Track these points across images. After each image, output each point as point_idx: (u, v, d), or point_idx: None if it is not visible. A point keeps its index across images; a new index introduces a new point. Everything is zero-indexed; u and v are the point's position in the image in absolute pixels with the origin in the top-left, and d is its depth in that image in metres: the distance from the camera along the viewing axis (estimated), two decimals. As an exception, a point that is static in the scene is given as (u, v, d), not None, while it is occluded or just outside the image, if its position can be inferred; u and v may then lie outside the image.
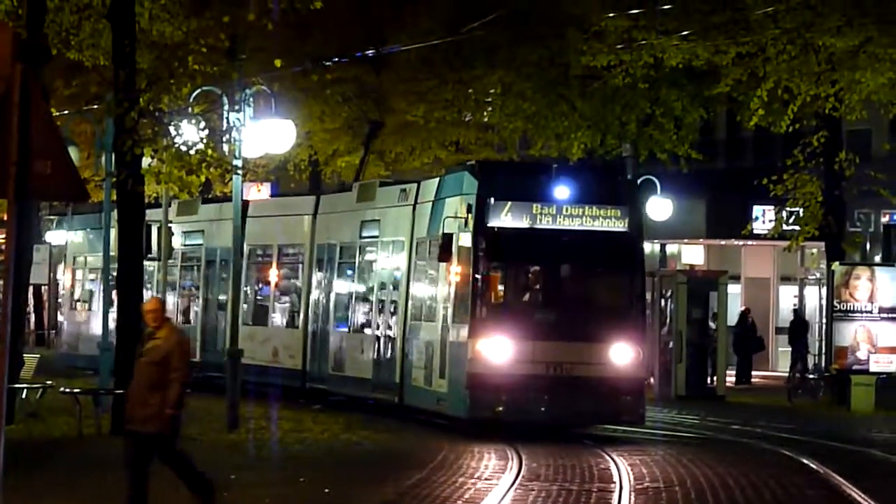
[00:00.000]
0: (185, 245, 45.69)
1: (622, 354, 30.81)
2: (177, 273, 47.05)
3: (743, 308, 54.21)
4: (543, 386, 30.96)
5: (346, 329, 39.74)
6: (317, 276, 41.25)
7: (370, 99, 47.55)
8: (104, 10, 29.62)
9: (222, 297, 43.00)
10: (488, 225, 30.98)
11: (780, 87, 38.28)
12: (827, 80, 38.37)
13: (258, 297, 45.44)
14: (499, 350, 30.88)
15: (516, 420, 31.32)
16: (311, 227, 41.52)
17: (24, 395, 30.81)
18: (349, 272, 40.21)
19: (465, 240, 31.55)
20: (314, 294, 41.20)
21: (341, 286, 40.46)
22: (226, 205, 40.77)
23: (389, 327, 37.87)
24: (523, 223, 31.06)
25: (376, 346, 38.50)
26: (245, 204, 36.49)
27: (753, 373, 52.94)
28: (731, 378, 50.91)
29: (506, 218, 31.02)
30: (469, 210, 31.28)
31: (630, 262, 31.40)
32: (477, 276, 31.14)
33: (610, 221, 30.71)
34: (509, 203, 30.96)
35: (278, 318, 43.72)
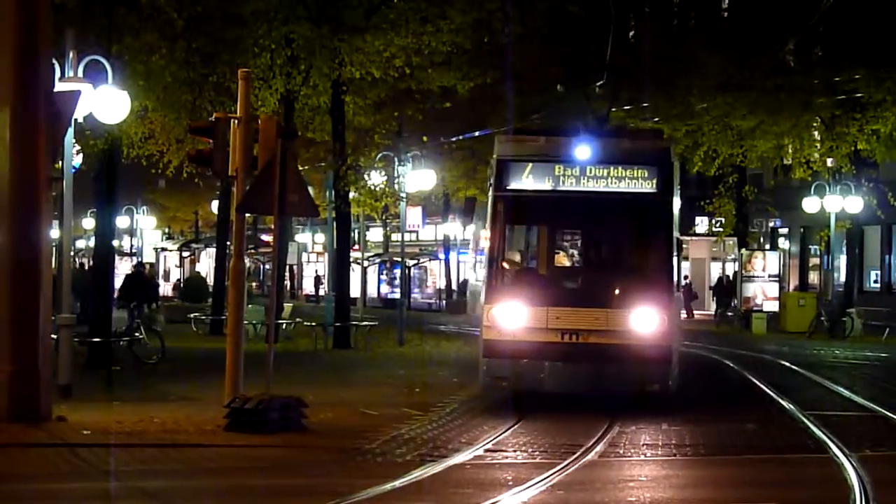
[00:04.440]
0: None
1: (645, 321, 17.22)
2: None
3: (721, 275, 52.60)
4: (557, 354, 17.40)
5: None
6: None
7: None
8: (327, 109, 29.72)
9: None
10: (508, 187, 18.05)
11: (710, 150, 38.06)
12: (737, 146, 38.08)
13: None
14: (512, 317, 17.42)
15: (529, 390, 17.82)
16: None
17: (283, 327, 30.97)
18: None
19: (487, 204, 19.16)
20: None
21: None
22: None
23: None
24: (545, 185, 17.99)
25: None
26: None
27: (695, 312, 52.25)
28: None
29: (527, 180, 18.00)
30: (490, 173, 18.88)
31: (656, 225, 17.98)
32: (493, 239, 18.18)
33: (636, 182, 17.84)
34: (530, 165, 17.99)
35: None
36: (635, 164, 17.68)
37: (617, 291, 17.58)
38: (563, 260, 19.32)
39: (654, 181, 17.60)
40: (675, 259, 17.45)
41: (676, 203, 17.85)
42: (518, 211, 18.21)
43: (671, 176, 17.62)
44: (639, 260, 18.05)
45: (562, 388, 17.52)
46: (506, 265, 18.23)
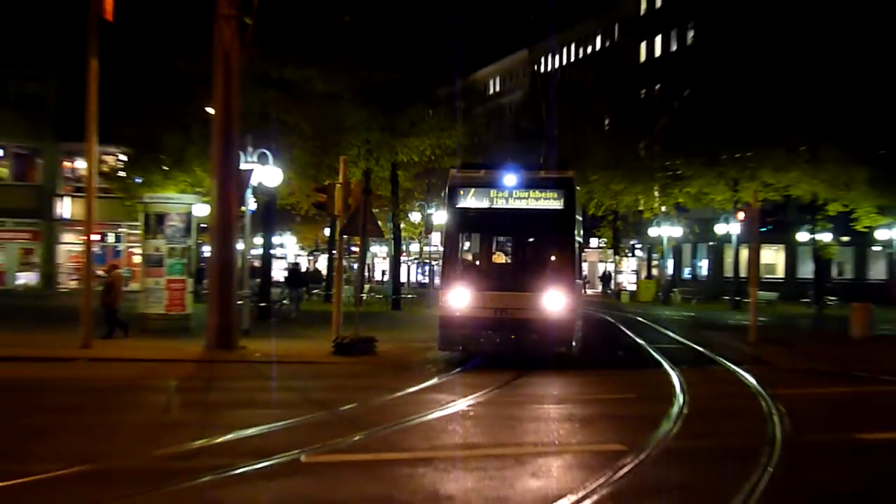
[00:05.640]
0: None
1: (554, 301, 13.63)
2: None
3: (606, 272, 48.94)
4: (492, 326, 13.73)
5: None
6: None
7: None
8: (388, 178, 29.55)
9: None
10: (457, 206, 14.20)
11: (598, 201, 37.81)
12: (613, 199, 37.95)
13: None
14: (460, 299, 13.79)
15: (474, 351, 14.08)
16: None
17: (363, 297, 30.52)
18: None
19: (444, 218, 14.95)
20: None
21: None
22: None
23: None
24: (484, 204, 14.14)
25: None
26: None
27: (588, 291, 51.02)
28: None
29: (471, 200, 14.18)
30: (444, 196, 14.79)
31: (563, 232, 14.01)
32: (448, 243, 14.33)
33: (549, 202, 14.01)
34: (473, 189, 14.19)
35: None
36: (548, 188, 14.07)
37: (535, 280, 13.94)
38: (497, 258, 15.53)
39: (562, 200, 14.00)
40: (577, 256, 14.12)
41: (579, 216, 14.63)
42: (465, 223, 14.37)
43: (574, 197, 14.10)
44: (551, 257, 14.36)
45: (495, 349, 13.83)
46: (456, 262, 14.41)
